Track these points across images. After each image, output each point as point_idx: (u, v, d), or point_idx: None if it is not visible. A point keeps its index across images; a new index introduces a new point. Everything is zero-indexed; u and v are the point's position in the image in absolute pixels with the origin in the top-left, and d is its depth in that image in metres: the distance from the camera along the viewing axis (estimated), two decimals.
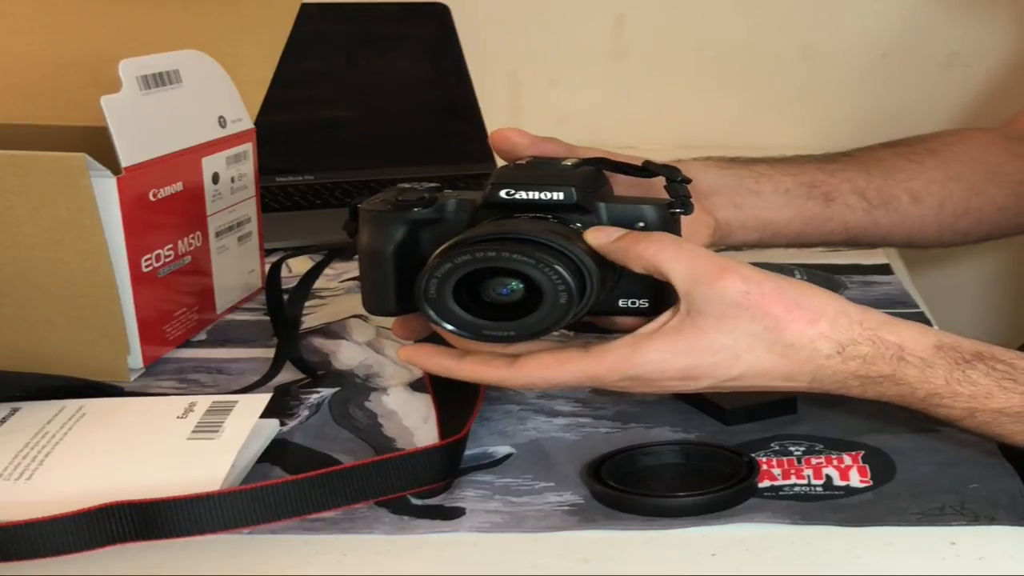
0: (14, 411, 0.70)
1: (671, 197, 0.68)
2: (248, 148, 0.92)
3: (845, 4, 1.53)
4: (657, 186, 0.71)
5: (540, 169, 0.68)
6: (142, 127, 0.80)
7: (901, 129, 1.53)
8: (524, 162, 0.70)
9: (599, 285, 0.63)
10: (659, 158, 0.73)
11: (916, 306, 0.90)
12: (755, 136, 1.57)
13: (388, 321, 0.74)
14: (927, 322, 0.86)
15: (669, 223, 0.67)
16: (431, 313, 0.62)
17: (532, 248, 0.61)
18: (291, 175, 1.26)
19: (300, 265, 0.88)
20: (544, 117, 1.57)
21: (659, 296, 0.67)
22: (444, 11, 1.39)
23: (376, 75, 1.36)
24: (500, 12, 1.56)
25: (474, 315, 0.62)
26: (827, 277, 0.97)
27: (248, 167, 0.92)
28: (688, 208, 0.68)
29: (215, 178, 0.87)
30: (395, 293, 0.68)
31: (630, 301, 0.67)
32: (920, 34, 1.52)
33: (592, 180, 0.68)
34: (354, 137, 1.34)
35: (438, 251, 0.62)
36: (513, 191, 0.66)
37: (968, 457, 0.65)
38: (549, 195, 0.65)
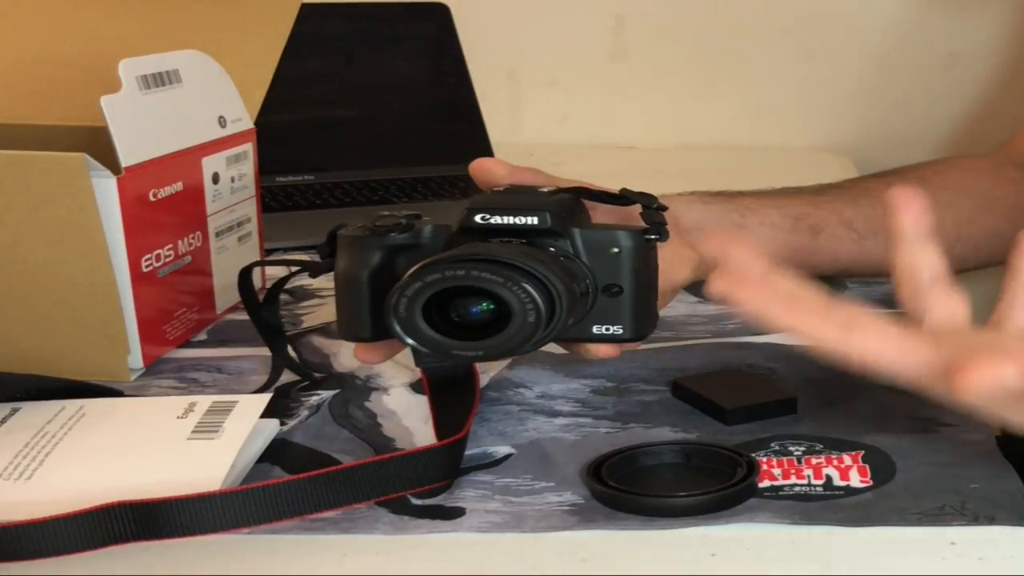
0: (14, 411, 0.70)
1: (646, 224, 0.69)
2: (248, 148, 0.92)
3: (845, 4, 1.53)
4: (637, 215, 0.72)
5: (515, 195, 0.69)
6: (142, 127, 0.80)
7: (901, 129, 1.54)
8: (501, 189, 0.71)
9: (568, 308, 0.63)
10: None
11: None
12: (755, 136, 1.57)
13: None
14: None
15: (644, 249, 0.68)
16: (399, 331, 0.63)
17: (501, 268, 0.61)
18: (291, 175, 1.26)
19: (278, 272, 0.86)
20: (544, 117, 1.57)
21: (635, 323, 0.68)
22: (444, 11, 1.39)
23: (376, 75, 1.36)
24: (500, 12, 1.56)
25: (443, 335, 0.63)
26: (829, 278, 0.97)
27: (248, 167, 0.92)
28: (663, 235, 0.69)
29: (215, 178, 0.87)
30: (370, 318, 0.68)
31: (604, 327, 0.68)
32: (920, 34, 1.52)
33: (567, 206, 0.68)
34: (354, 137, 1.34)
35: (410, 271, 0.63)
36: (488, 216, 0.66)
37: (968, 457, 0.65)
38: (524, 220, 0.66)
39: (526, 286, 0.61)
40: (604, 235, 0.68)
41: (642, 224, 0.70)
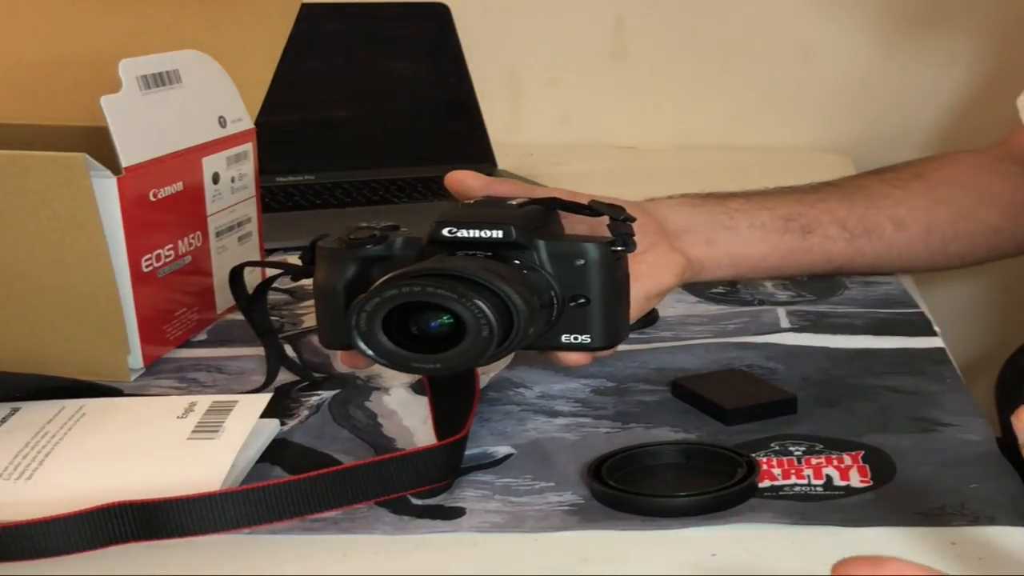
0: (14, 411, 0.70)
1: (613, 235, 0.70)
2: (248, 148, 0.92)
3: (845, 4, 1.53)
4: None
5: (482, 209, 0.70)
6: (142, 127, 0.80)
7: (901, 129, 1.54)
8: (472, 202, 0.72)
9: (527, 321, 0.64)
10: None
11: (916, 306, 0.90)
12: (755, 136, 1.57)
13: None
14: (927, 322, 0.86)
15: (610, 261, 0.68)
16: (361, 345, 0.64)
17: (456, 283, 0.62)
18: (291, 175, 1.26)
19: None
20: (544, 117, 1.57)
21: (603, 332, 0.68)
22: (444, 11, 1.39)
23: (376, 75, 1.36)
24: (500, 12, 1.56)
25: (403, 348, 0.64)
26: (828, 277, 0.97)
27: (248, 167, 0.92)
28: (630, 246, 0.69)
29: (215, 178, 0.87)
30: (347, 327, 0.69)
31: (572, 336, 0.69)
32: (919, 34, 1.52)
33: (534, 219, 0.69)
34: (354, 137, 1.34)
35: (371, 287, 0.64)
36: (455, 229, 0.67)
37: (968, 457, 0.65)
38: (489, 233, 0.67)
39: (478, 302, 0.62)
40: (570, 247, 0.68)
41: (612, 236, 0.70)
